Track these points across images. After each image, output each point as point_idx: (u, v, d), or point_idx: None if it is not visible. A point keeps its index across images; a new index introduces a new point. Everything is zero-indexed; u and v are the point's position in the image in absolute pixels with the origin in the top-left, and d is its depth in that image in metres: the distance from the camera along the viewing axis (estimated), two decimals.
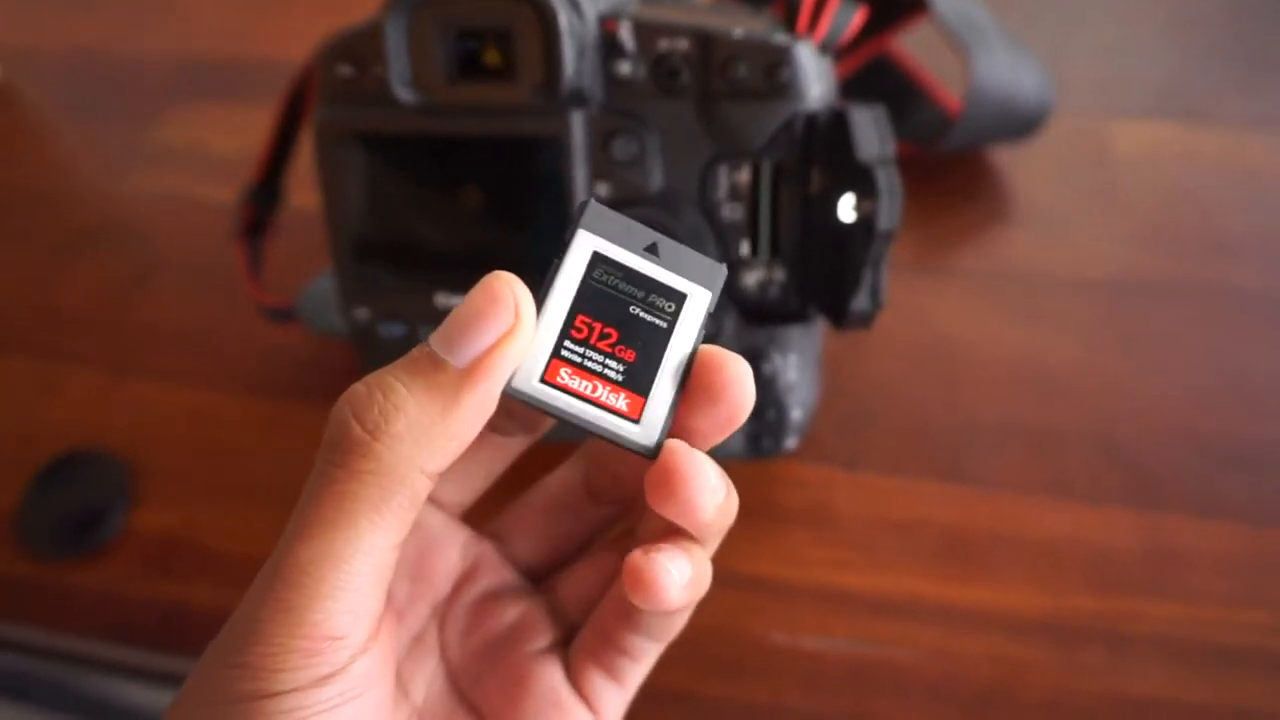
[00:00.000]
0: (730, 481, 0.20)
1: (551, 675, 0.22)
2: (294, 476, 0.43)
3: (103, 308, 0.48)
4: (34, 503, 0.41)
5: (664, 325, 0.18)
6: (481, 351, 0.18)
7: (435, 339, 0.18)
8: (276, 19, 0.60)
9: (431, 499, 0.22)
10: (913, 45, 0.49)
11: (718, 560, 0.36)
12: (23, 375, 0.46)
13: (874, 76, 0.50)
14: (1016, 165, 0.48)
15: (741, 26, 0.28)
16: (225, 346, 0.46)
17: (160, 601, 0.38)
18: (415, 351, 0.18)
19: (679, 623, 0.23)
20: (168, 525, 0.40)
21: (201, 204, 0.51)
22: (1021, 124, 0.45)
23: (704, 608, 0.35)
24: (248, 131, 0.54)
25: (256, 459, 0.42)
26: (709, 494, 0.19)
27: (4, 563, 0.40)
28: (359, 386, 0.18)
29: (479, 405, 0.18)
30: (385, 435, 0.18)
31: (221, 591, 0.39)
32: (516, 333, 0.18)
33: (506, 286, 0.18)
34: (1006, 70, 0.43)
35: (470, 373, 0.18)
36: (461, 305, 0.18)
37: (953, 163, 0.47)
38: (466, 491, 0.23)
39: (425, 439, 0.18)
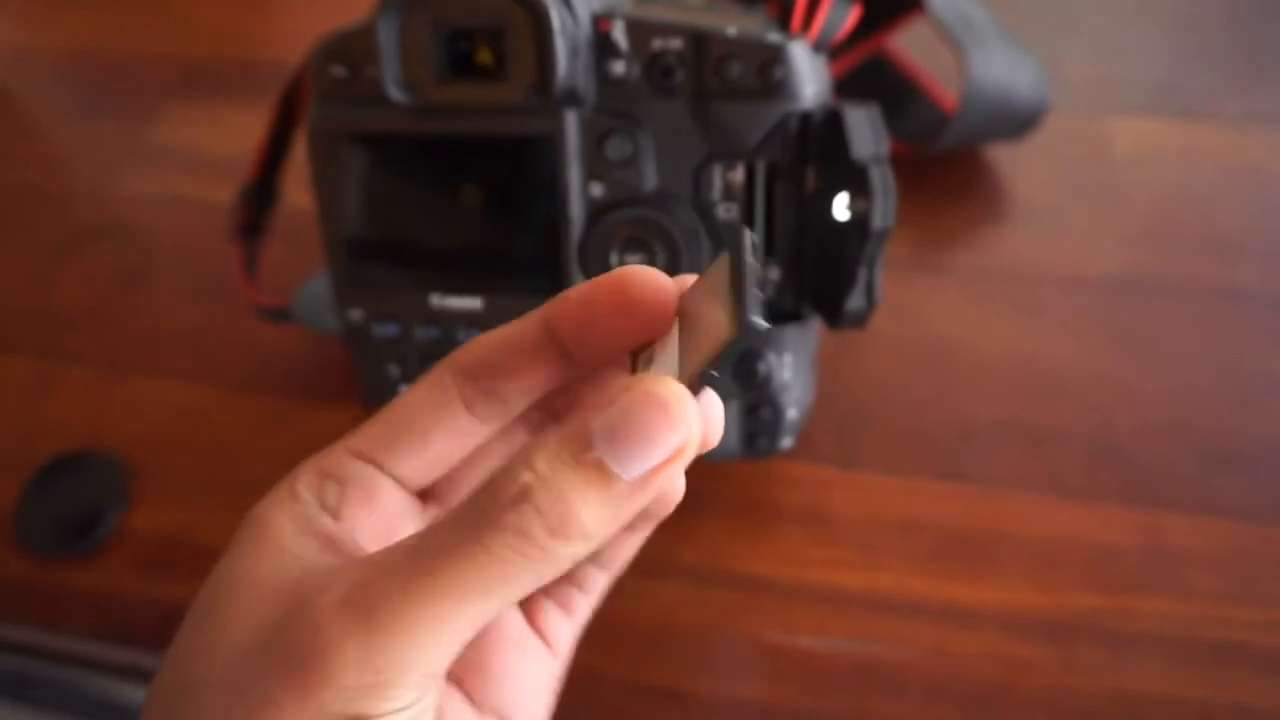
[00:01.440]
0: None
1: (511, 615, 0.22)
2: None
3: (100, 307, 0.48)
4: (31, 503, 0.41)
5: None
6: (655, 466, 0.16)
7: (605, 447, 0.16)
8: (272, 20, 0.60)
9: (395, 478, 0.21)
10: (909, 43, 0.49)
11: (714, 561, 0.36)
12: (20, 374, 0.46)
13: (870, 75, 0.50)
14: (1013, 163, 0.47)
15: (735, 25, 0.28)
16: (222, 346, 0.46)
17: (157, 601, 0.38)
18: (580, 454, 0.17)
19: (629, 550, 0.23)
20: (165, 525, 0.40)
21: (198, 204, 0.51)
22: (1018, 123, 0.45)
23: (700, 607, 0.36)
24: (244, 131, 0.54)
25: (253, 458, 0.42)
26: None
27: (1, 563, 0.40)
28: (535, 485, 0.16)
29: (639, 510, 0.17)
30: (566, 541, 0.17)
31: None
32: (689, 449, 0.17)
33: (681, 401, 0.17)
34: (1003, 69, 0.43)
35: (642, 485, 0.17)
36: (635, 412, 0.16)
37: (949, 161, 0.47)
38: (430, 474, 0.22)
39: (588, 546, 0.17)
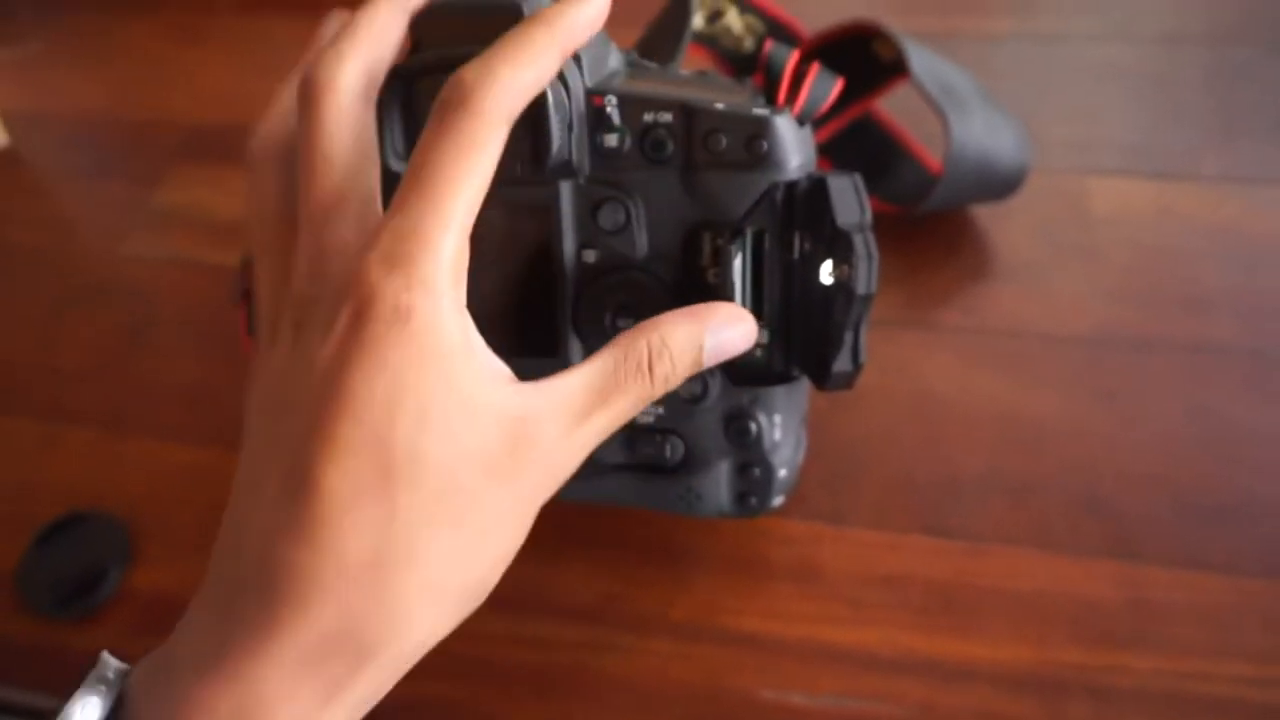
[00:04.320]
0: None
1: None
2: None
3: (103, 366, 0.49)
4: (34, 563, 0.42)
5: None
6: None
7: (710, 356, 0.27)
8: (276, 85, 0.62)
9: None
10: (895, 104, 0.51)
11: (705, 618, 0.37)
12: (23, 433, 0.47)
13: (857, 135, 0.52)
14: (997, 222, 0.49)
15: (723, 99, 0.30)
16: (225, 405, 0.46)
17: None
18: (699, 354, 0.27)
19: None
20: (165, 584, 0.41)
21: (201, 265, 0.53)
22: (1001, 186, 0.47)
23: (691, 664, 0.36)
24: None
25: None
26: None
27: (3, 623, 0.40)
28: None
29: None
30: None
31: None
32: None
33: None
34: (985, 135, 0.44)
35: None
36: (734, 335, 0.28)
37: (935, 220, 0.48)
38: None
39: None
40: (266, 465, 0.23)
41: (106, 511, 0.43)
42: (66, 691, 0.37)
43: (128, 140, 0.61)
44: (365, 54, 0.26)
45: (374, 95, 0.27)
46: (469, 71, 0.23)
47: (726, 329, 0.27)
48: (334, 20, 0.31)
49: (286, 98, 0.29)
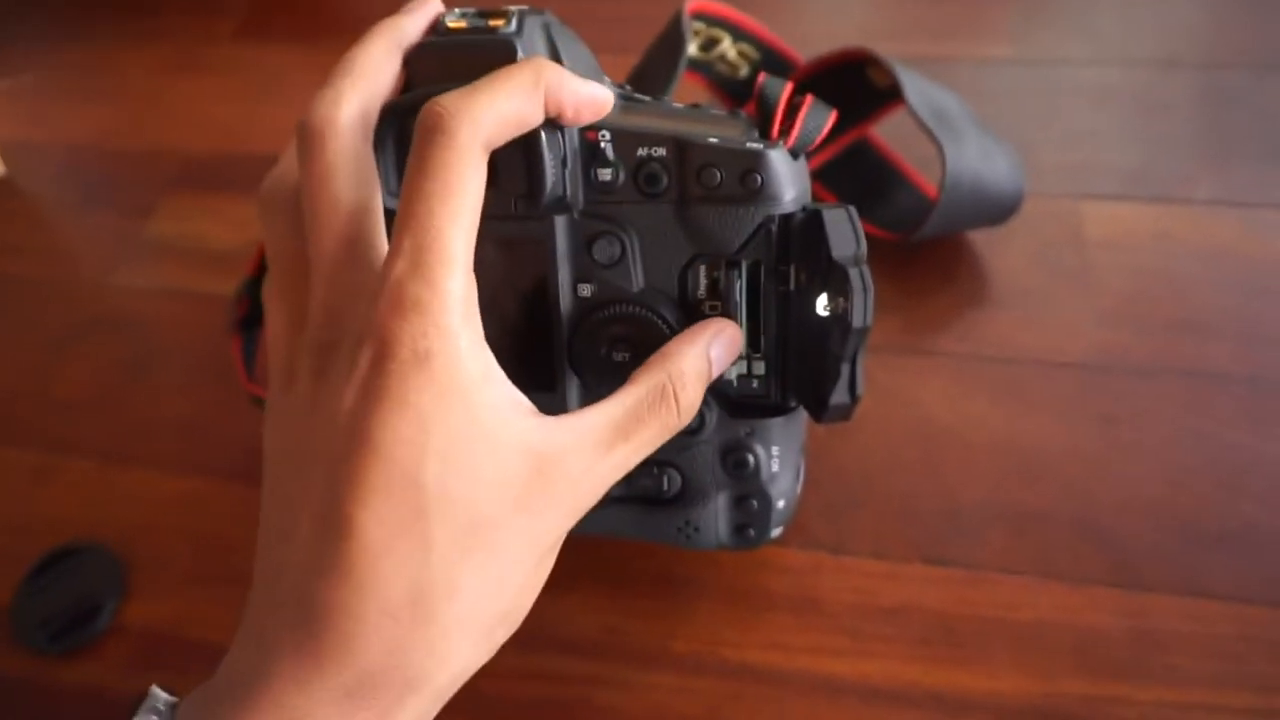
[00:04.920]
0: None
1: None
2: None
3: (98, 398, 0.49)
4: (28, 596, 0.41)
5: None
6: None
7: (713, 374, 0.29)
8: (274, 115, 0.62)
9: None
10: (890, 129, 0.51)
11: (706, 650, 0.37)
12: (18, 465, 0.47)
13: (852, 162, 0.52)
14: (993, 248, 0.49)
15: (717, 132, 0.29)
16: (220, 436, 0.46)
17: None
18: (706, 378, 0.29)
19: None
20: (159, 618, 0.41)
21: (196, 295, 0.53)
22: (996, 212, 0.47)
23: (692, 698, 0.36)
24: (241, 225, 0.55)
25: (248, 548, 0.42)
26: None
27: None
28: None
29: None
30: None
31: None
32: None
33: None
34: (979, 163, 0.44)
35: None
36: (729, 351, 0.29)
37: (931, 246, 0.48)
38: None
39: None
40: (297, 509, 0.23)
41: (101, 544, 0.43)
42: None
43: (123, 170, 0.61)
44: (362, 91, 0.26)
45: (372, 131, 0.27)
46: (446, 97, 0.24)
47: (719, 340, 0.29)
48: None
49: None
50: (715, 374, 0.29)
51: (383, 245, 0.26)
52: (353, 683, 0.22)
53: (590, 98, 0.27)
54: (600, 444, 0.25)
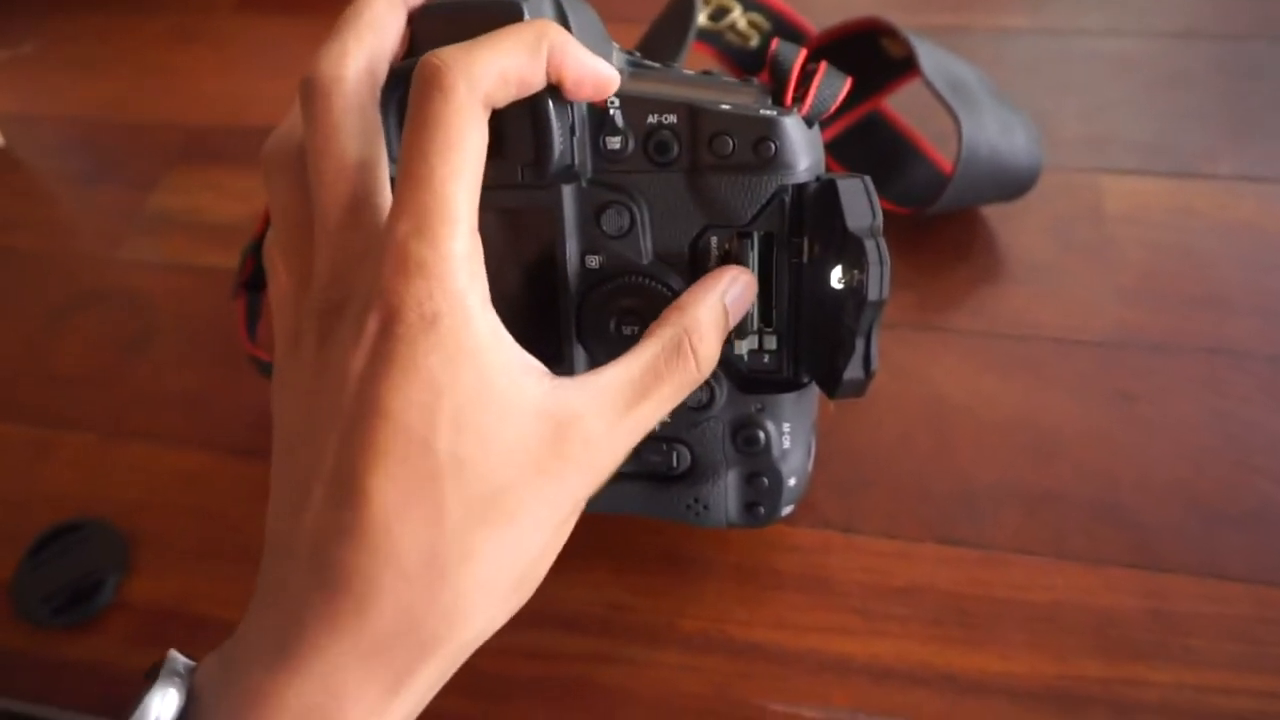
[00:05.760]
0: None
1: None
2: None
3: (100, 372, 0.48)
4: (30, 571, 0.41)
5: None
6: None
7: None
8: (276, 87, 0.61)
9: None
10: (904, 102, 0.50)
11: (715, 629, 0.36)
12: (19, 440, 0.46)
13: (866, 135, 0.51)
14: (1009, 223, 0.48)
15: (729, 99, 0.29)
16: (222, 410, 0.46)
17: None
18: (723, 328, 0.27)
19: None
20: (161, 593, 0.40)
21: (198, 269, 0.52)
22: (1013, 186, 0.46)
23: (701, 676, 0.35)
24: (243, 197, 0.55)
25: (253, 524, 0.41)
26: None
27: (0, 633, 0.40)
28: None
29: None
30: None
31: None
32: None
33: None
34: (996, 136, 0.43)
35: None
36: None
37: (945, 220, 0.48)
38: None
39: None
40: (309, 475, 0.23)
41: (103, 519, 0.42)
42: (56, 699, 0.37)
43: (124, 142, 0.60)
44: (368, 47, 0.25)
45: (378, 88, 0.26)
46: (445, 51, 0.23)
47: (734, 288, 0.28)
48: None
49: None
50: (733, 322, 0.28)
51: (388, 205, 0.25)
52: (372, 643, 0.22)
53: (594, 73, 0.25)
54: (619, 403, 0.24)
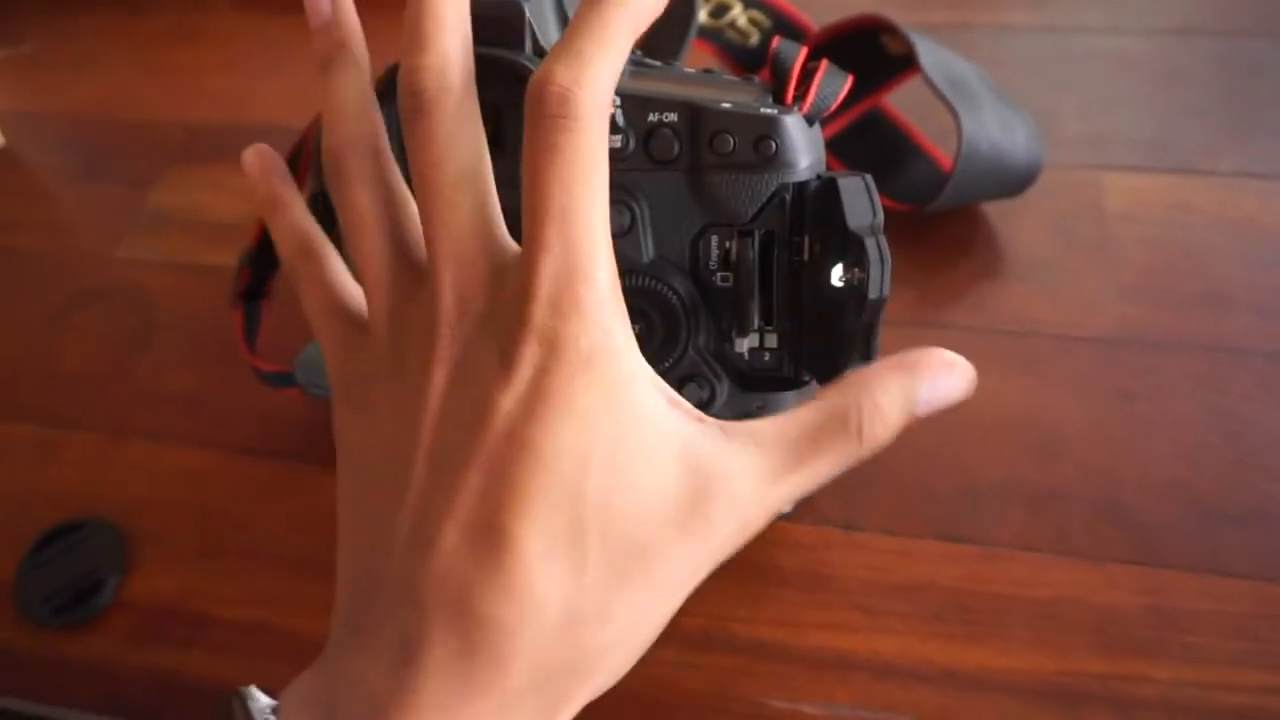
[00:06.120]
0: None
1: None
2: (292, 540, 0.43)
3: (101, 371, 0.48)
4: (31, 571, 0.41)
5: None
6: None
7: (924, 408, 0.25)
8: (274, 86, 0.61)
9: None
10: (904, 99, 0.50)
11: (716, 626, 0.36)
12: (20, 439, 0.46)
13: (866, 132, 0.51)
14: (1009, 220, 0.48)
15: (730, 98, 0.29)
16: (223, 409, 0.46)
17: (153, 672, 0.38)
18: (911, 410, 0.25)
19: None
20: (163, 592, 0.40)
21: (199, 267, 0.52)
22: (1013, 183, 0.46)
23: (702, 674, 0.35)
24: (243, 196, 0.55)
25: (254, 523, 0.42)
26: None
27: (1, 632, 0.40)
28: None
29: None
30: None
31: (215, 659, 0.38)
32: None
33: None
34: (997, 133, 0.43)
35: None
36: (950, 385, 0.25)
37: (945, 218, 0.48)
38: None
39: None
40: (435, 511, 0.22)
41: (104, 518, 0.42)
42: (57, 698, 0.37)
43: (124, 141, 0.60)
44: (464, 54, 0.23)
45: (476, 93, 0.24)
46: (560, 71, 0.21)
47: (942, 379, 0.25)
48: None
49: (350, 100, 0.25)
50: (926, 413, 0.25)
51: (503, 226, 0.24)
52: (497, 702, 0.21)
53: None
54: (774, 470, 0.22)
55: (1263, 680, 0.33)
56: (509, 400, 0.21)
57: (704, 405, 0.32)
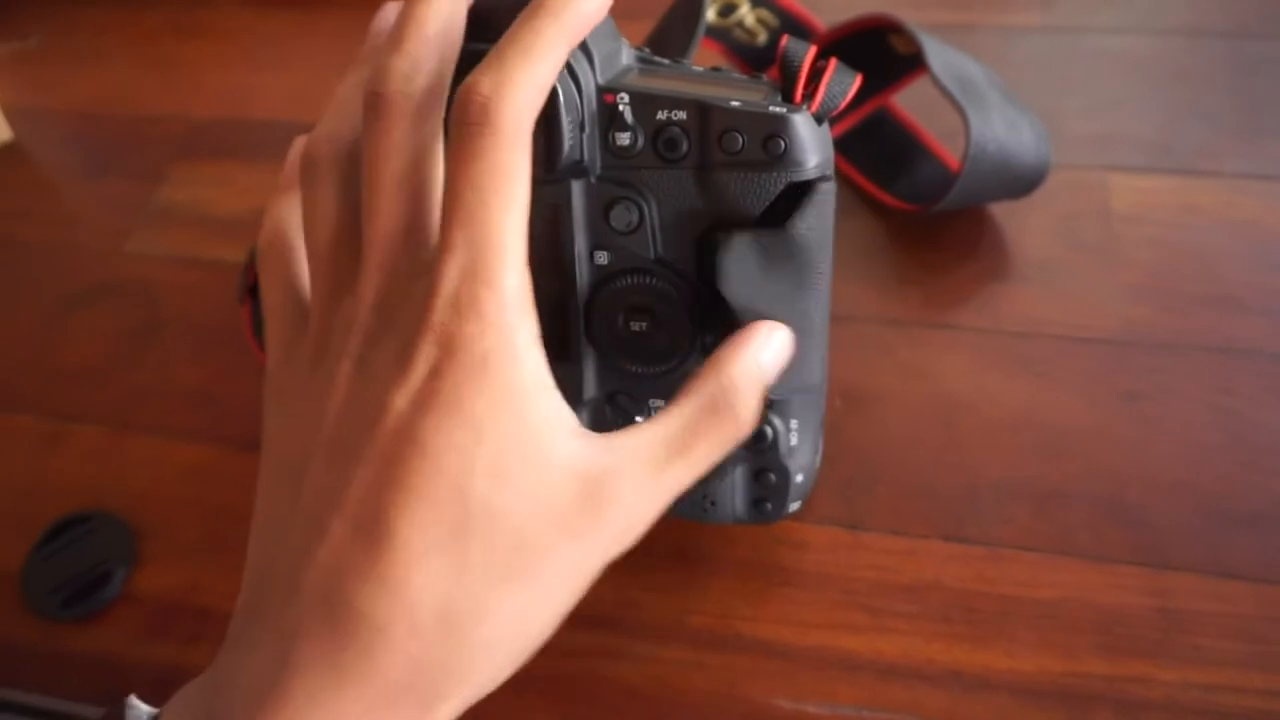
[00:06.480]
0: None
1: None
2: None
3: (107, 365, 0.49)
4: (38, 564, 0.41)
5: None
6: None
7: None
8: (282, 81, 0.61)
9: None
10: (912, 100, 0.50)
11: (721, 625, 0.36)
12: (26, 432, 0.46)
13: (873, 132, 0.51)
14: (1016, 220, 0.48)
15: (739, 96, 0.29)
16: (230, 403, 0.46)
17: (157, 666, 0.38)
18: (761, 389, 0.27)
19: None
20: (168, 586, 0.40)
21: (205, 262, 0.52)
22: (1020, 184, 0.46)
23: (707, 673, 0.35)
24: (250, 191, 0.55)
25: None
26: None
27: (7, 625, 0.40)
28: None
29: None
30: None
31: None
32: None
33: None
34: (1004, 133, 0.43)
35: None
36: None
37: (952, 218, 0.48)
38: None
39: None
40: (325, 504, 0.22)
41: (110, 512, 0.42)
42: (63, 691, 0.37)
43: (131, 136, 0.60)
44: (437, 60, 0.24)
45: (444, 104, 0.24)
46: (484, 82, 0.22)
47: (770, 344, 0.27)
48: (391, 10, 0.28)
49: (350, 99, 0.26)
50: (770, 380, 0.27)
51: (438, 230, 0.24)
52: (369, 700, 0.21)
53: (598, 7, 0.24)
54: (654, 463, 0.24)
55: (1268, 682, 0.33)
56: (402, 398, 0.22)
57: None
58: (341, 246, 0.25)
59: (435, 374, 0.21)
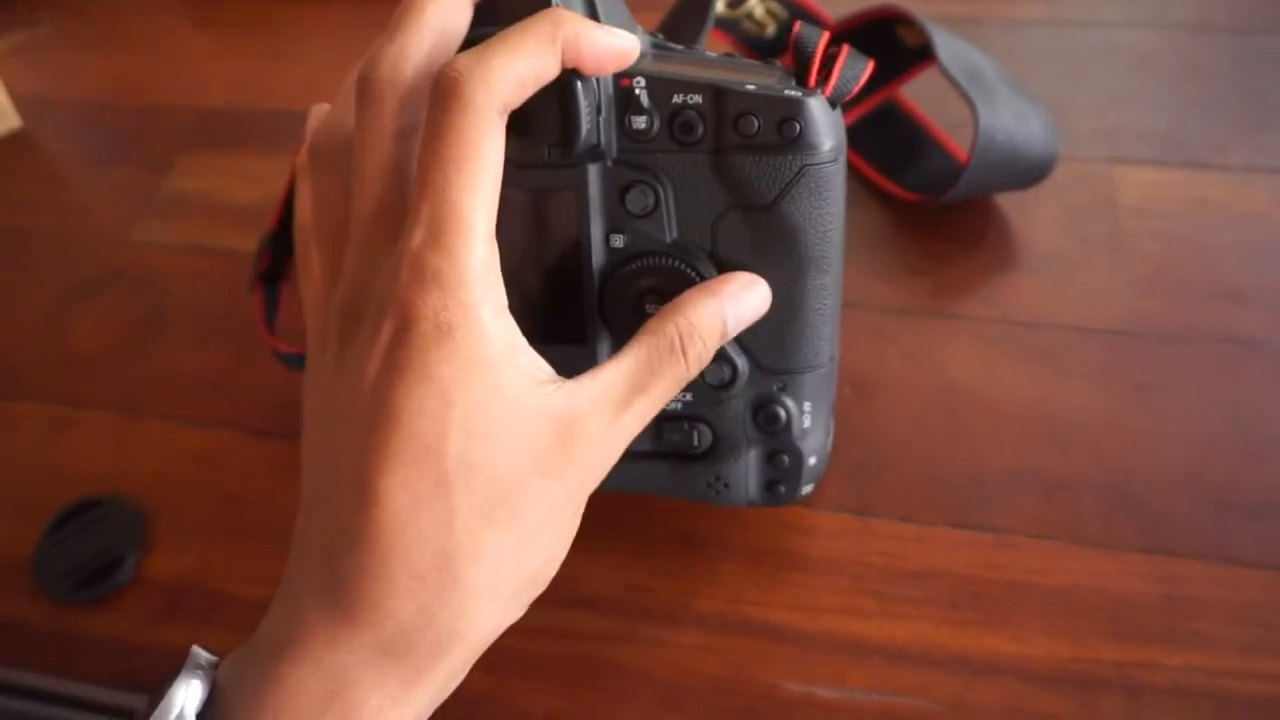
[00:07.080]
0: None
1: None
2: None
3: (117, 352, 0.49)
4: (50, 548, 0.41)
5: None
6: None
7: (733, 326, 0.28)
8: (289, 71, 0.61)
9: None
10: (920, 91, 0.50)
11: (731, 609, 0.36)
12: (37, 419, 0.47)
13: (882, 123, 0.51)
14: (1023, 212, 0.48)
15: (753, 80, 0.29)
16: (239, 390, 0.46)
17: (168, 648, 0.38)
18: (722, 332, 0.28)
19: None
20: (180, 570, 0.40)
21: (214, 250, 0.52)
22: (1028, 175, 0.46)
23: (717, 657, 0.36)
24: (259, 179, 0.55)
25: (270, 503, 0.42)
26: None
27: (19, 608, 0.40)
28: None
29: None
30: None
31: (231, 637, 0.38)
32: None
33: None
34: (1012, 125, 0.44)
35: None
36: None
37: (959, 209, 0.48)
38: None
39: None
40: (327, 476, 0.24)
41: (121, 497, 0.43)
42: (75, 674, 0.37)
43: (140, 124, 0.60)
44: (428, 49, 0.25)
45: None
46: (461, 60, 0.23)
47: (743, 297, 0.28)
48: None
49: (352, 88, 0.27)
50: (736, 329, 0.28)
51: None
52: (386, 642, 0.23)
53: (611, 48, 0.25)
54: (618, 401, 0.25)
55: (1274, 667, 0.34)
56: (374, 369, 0.23)
57: (725, 385, 0.32)
58: (338, 234, 0.26)
59: (401, 344, 0.23)
